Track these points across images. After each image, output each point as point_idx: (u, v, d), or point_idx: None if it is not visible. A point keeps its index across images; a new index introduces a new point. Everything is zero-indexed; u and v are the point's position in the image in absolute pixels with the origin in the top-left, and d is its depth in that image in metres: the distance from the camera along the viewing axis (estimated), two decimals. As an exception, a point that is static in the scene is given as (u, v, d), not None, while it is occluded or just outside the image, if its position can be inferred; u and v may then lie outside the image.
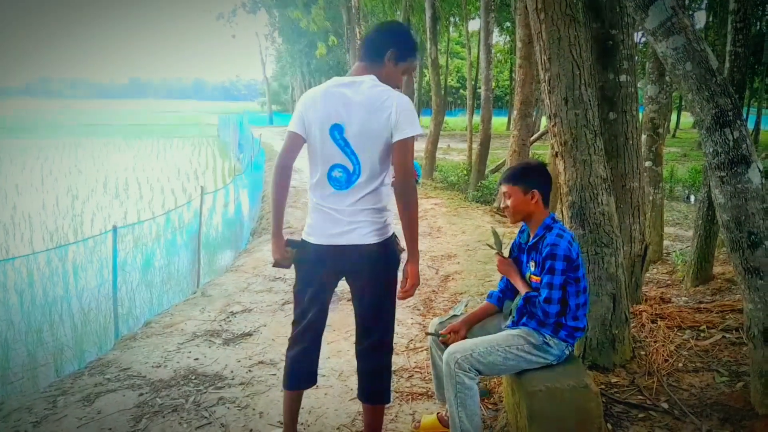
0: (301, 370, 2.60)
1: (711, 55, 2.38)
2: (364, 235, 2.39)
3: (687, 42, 2.39)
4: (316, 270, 2.48)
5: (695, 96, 2.41)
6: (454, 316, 2.86)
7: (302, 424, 2.99)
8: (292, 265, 2.55)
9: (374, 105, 2.29)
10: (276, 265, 2.56)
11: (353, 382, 3.46)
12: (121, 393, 3.36)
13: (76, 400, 3.28)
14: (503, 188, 2.63)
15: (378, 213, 2.42)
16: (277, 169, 2.44)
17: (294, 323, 2.62)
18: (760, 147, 19.68)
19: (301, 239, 2.51)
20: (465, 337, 2.68)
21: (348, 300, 4.98)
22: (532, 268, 2.57)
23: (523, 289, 2.55)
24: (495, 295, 2.88)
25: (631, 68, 3.49)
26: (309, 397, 3.27)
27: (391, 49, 2.40)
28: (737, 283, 4.36)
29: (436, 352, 2.80)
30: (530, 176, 2.57)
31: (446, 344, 2.66)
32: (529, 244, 2.61)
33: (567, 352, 2.57)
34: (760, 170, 2.34)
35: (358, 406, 3.15)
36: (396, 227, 2.53)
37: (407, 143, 2.30)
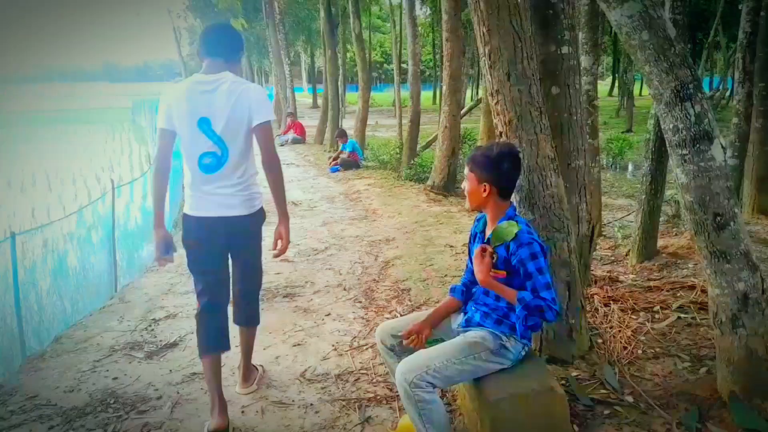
0: (222, 332, 2.94)
1: (669, 23, 2.19)
2: (234, 207, 2.79)
3: (643, 9, 2.20)
4: (202, 241, 2.85)
5: (653, 68, 2.23)
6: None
7: (241, 446, 2.69)
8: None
9: (237, 99, 2.67)
10: (160, 258, 2.97)
11: (294, 392, 3.17)
12: (27, 427, 2.92)
13: (-29, 441, 2.83)
14: (466, 168, 2.44)
15: (245, 189, 2.82)
16: (157, 174, 2.89)
17: (199, 296, 2.93)
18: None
19: (183, 215, 2.92)
20: (428, 337, 2.44)
21: (284, 297, 4.65)
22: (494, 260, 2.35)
23: (513, 298, 2.26)
24: (458, 289, 2.65)
25: (573, 39, 3.29)
26: (246, 413, 2.96)
27: (232, 52, 2.82)
28: (683, 257, 4.36)
29: (390, 360, 2.55)
30: (486, 165, 2.34)
31: (406, 348, 2.44)
32: (488, 237, 2.38)
33: (524, 353, 2.38)
34: (723, 147, 2.19)
35: (302, 422, 2.87)
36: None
37: (266, 128, 2.73)
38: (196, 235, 2.84)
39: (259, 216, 2.93)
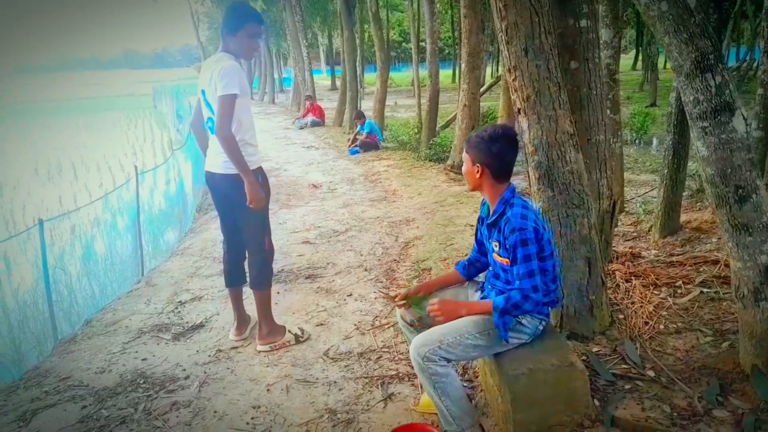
0: (233, 272, 3.64)
1: (688, -8, 2.15)
2: (216, 165, 3.30)
3: (662, -21, 2.14)
4: (209, 190, 3.60)
5: (672, 39, 2.19)
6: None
7: (260, 424, 2.75)
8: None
9: (213, 73, 3.11)
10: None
11: (318, 370, 3.23)
12: (61, 407, 3.02)
13: (10, 420, 2.94)
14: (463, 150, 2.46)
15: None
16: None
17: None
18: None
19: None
20: (412, 296, 2.58)
21: (306, 278, 4.71)
22: (496, 248, 2.37)
23: (489, 310, 2.28)
24: (462, 264, 2.72)
25: (591, 12, 3.24)
26: (272, 391, 3.02)
27: (224, 28, 3.20)
28: (706, 232, 4.31)
29: (410, 336, 2.59)
30: (480, 148, 2.34)
31: (424, 324, 2.51)
32: (488, 221, 2.40)
33: (541, 328, 2.38)
34: (744, 118, 2.15)
35: (326, 398, 2.92)
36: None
37: (220, 100, 3.05)
38: (206, 184, 3.55)
39: (235, 180, 3.20)
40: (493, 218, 2.36)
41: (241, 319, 3.69)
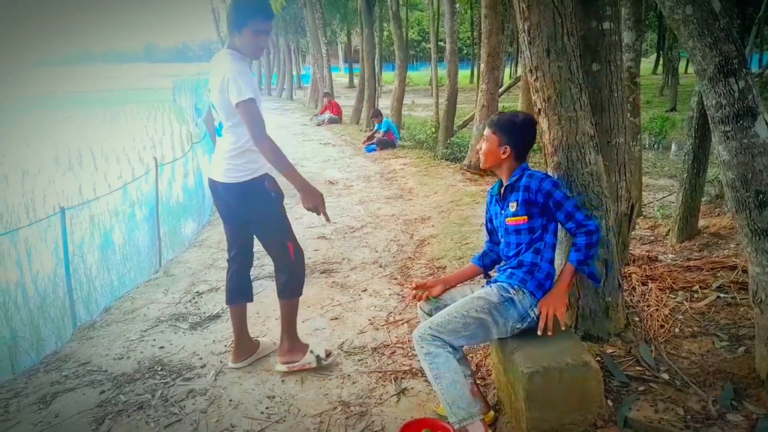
0: (236, 288, 3.26)
1: (714, -4, 2.15)
2: (217, 173, 3.01)
3: (687, -18, 2.15)
4: (214, 200, 3.23)
5: (696, 43, 2.19)
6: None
7: (275, 414, 2.79)
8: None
9: (218, 74, 2.85)
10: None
11: (331, 363, 3.26)
12: (80, 392, 3.09)
13: (30, 402, 3.01)
14: (485, 130, 2.61)
15: (231, 159, 2.96)
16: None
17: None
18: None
19: None
20: (438, 296, 2.63)
21: (321, 272, 4.75)
22: (512, 209, 2.49)
23: (569, 274, 2.46)
24: (478, 256, 2.81)
25: (614, 14, 3.23)
26: (286, 382, 3.06)
27: (230, 22, 2.87)
28: (724, 237, 4.28)
29: None
30: (511, 131, 2.52)
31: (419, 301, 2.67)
32: (506, 185, 2.55)
33: (533, 315, 2.42)
34: (767, 123, 2.15)
35: (339, 391, 2.96)
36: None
37: (241, 108, 2.75)
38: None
39: (236, 190, 2.95)
40: (511, 181, 2.52)
41: (241, 344, 3.28)
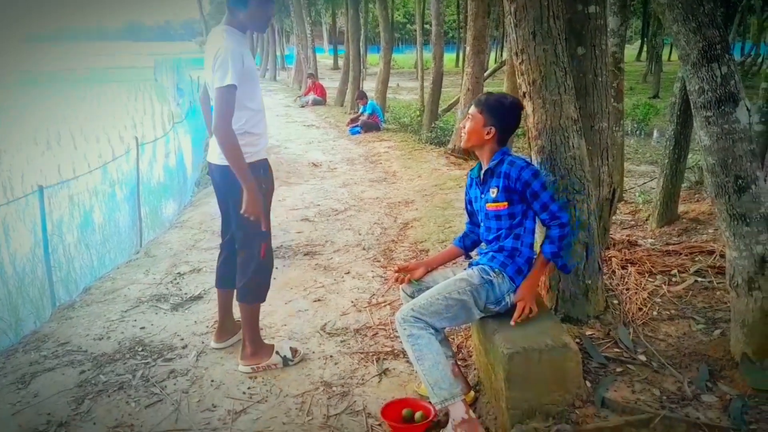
0: (226, 274, 3.14)
1: (699, -19, 2.15)
2: (213, 154, 2.90)
3: (673, -34, 2.15)
4: (213, 185, 3.10)
5: (681, 27, 2.20)
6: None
7: (257, 394, 2.79)
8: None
9: (210, 52, 2.68)
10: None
11: (314, 344, 3.27)
12: (59, 371, 3.06)
13: (9, 382, 2.98)
14: (471, 109, 2.58)
15: None
16: None
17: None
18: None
19: None
20: (420, 278, 2.64)
21: (304, 254, 4.74)
22: (493, 195, 2.50)
23: (545, 266, 2.53)
24: (459, 237, 2.84)
25: (600, -2, 3.23)
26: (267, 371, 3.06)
27: None
28: (703, 223, 4.34)
29: None
30: (498, 112, 2.51)
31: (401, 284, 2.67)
32: (485, 170, 2.54)
33: (508, 300, 2.46)
34: (748, 109, 2.17)
35: (322, 372, 2.97)
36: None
37: (217, 93, 2.61)
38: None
39: (229, 172, 2.75)
40: (491, 165, 2.51)
41: (226, 324, 3.25)
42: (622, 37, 5.10)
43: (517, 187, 2.42)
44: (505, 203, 2.47)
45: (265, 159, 2.94)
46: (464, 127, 2.58)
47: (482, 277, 2.41)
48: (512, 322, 2.38)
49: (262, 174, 2.88)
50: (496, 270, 2.44)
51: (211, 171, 3.03)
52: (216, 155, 2.88)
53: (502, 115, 2.51)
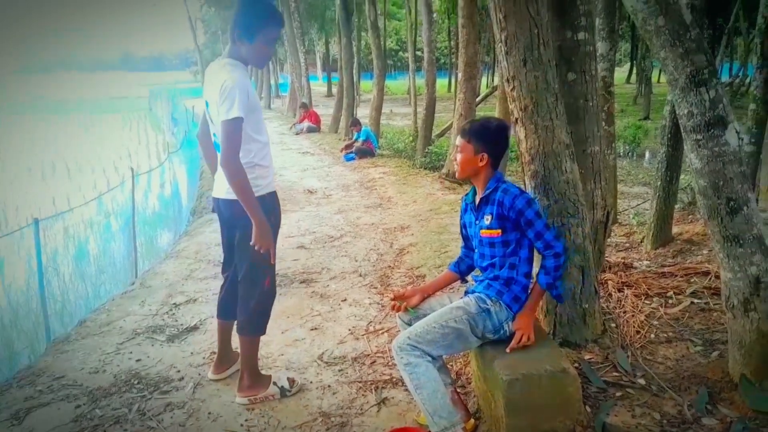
0: (227, 305, 3.11)
1: (685, 8, 2.20)
2: (221, 189, 2.84)
3: (658, -6, 2.20)
4: (219, 220, 3.04)
5: (668, 53, 2.24)
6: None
7: (254, 426, 2.76)
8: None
9: (215, 85, 2.62)
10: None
11: (312, 373, 3.25)
12: (55, 406, 3.02)
13: (3, 418, 2.93)
14: (458, 140, 2.58)
15: None
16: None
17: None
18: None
19: None
20: (417, 306, 2.63)
21: (300, 282, 4.73)
22: (487, 222, 2.51)
23: (540, 294, 2.54)
24: (454, 262, 2.85)
25: (589, 25, 3.29)
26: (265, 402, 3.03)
27: (237, 31, 2.67)
28: (698, 244, 4.36)
29: None
30: (485, 137, 2.52)
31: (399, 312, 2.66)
32: (481, 197, 2.55)
33: (507, 328, 2.46)
34: (737, 132, 2.20)
35: (320, 402, 2.94)
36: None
37: (223, 126, 2.57)
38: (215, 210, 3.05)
39: (238, 205, 2.70)
40: (486, 193, 2.52)
41: (224, 356, 3.22)
42: (612, 61, 5.18)
43: (510, 215, 2.44)
44: (499, 230, 2.48)
45: (274, 191, 2.92)
46: (456, 159, 2.59)
47: (479, 306, 2.41)
48: (508, 350, 2.38)
49: (271, 207, 2.85)
50: (493, 298, 2.44)
51: (217, 206, 2.96)
52: (223, 190, 2.82)
53: (491, 139, 2.53)
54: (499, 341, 2.47)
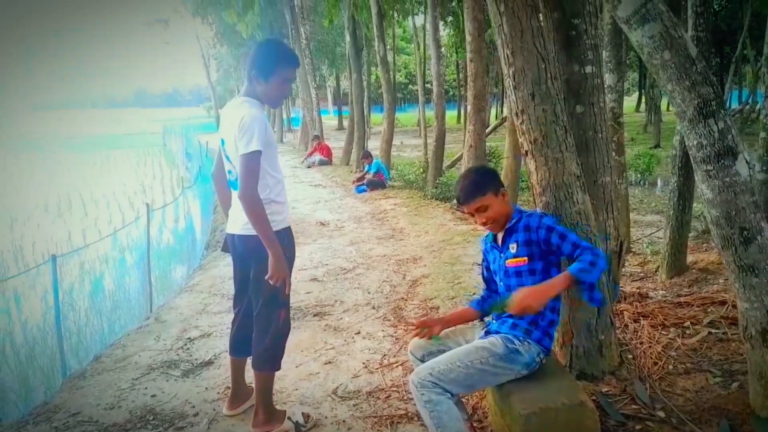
0: (240, 342, 3.13)
1: (690, 42, 2.24)
2: (236, 224, 2.89)
3: (664, 29, 2.24)
4: (232, 256, 3.05)
5: (675, 86, 2.27)
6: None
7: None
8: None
9: (233, 122, 2.71)
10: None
11: (326, 408, 3.23)
12: (70, 443, 3.03)
13: (19, 456, 2.94)
14: (473, 206, 2.54)
15: None
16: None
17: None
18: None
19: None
20: (436, 334, 2.62)
21: (314, 315, 4.73)
22: (513, 251, 2.51)
23: (566, 280, 2.31)
24: (476, 301, 2.80)
25: (596, 58, 3.34)
26: None
27: (254, 71, 2.76)
28: (713, 273, 4.33)
29: None
30: (491, 179, 2.58)
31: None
32: (507, 227, 2.56)
33: (539, 360, 2.42)
34: (747, 161, 2.22)
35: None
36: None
37: (242, 160, 2.64)
38: (228, 247, 3.08)
39: (254, 241, 2.75)
40: (512, 223, 2.55)
41: (238, 391, 3.22)
42: (620, 92, 5.23)
43: (540, 236, 2.43)
44: (525, 258, 2.46)
45: (288, 227, 2.95)
46: (483, 222, 2.55)
47: (507, 347, 2.37)
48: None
49: (286, 242, 2.88)
50: (521, 338, 2.41)
51: (232, 243, 2.98)
52: (239, 226, 2.85)
53: (491, 177, 2.59)
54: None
